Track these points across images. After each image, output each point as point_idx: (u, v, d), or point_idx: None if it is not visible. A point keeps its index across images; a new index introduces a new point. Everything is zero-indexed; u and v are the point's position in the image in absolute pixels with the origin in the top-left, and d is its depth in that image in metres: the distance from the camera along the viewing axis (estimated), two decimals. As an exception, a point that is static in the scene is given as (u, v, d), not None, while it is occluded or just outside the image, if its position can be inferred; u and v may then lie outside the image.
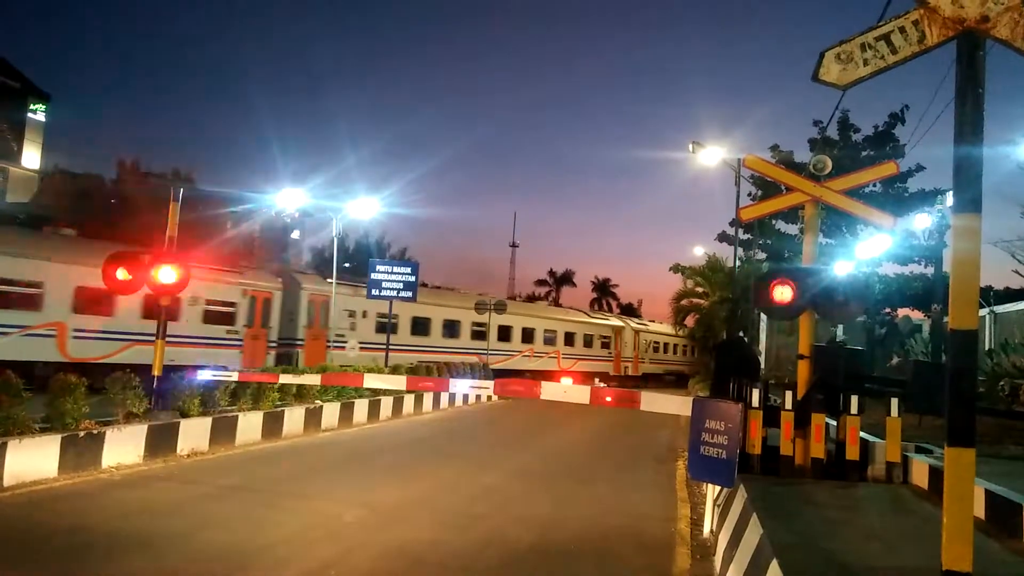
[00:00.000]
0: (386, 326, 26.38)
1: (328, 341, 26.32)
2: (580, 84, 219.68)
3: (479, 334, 33.49)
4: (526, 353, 36.71)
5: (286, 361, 24.21)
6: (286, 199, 26.20)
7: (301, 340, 25.84)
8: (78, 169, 47.83)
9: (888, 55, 4.33)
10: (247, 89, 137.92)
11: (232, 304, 23.00)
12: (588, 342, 41.98)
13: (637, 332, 47.64)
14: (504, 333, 35.22)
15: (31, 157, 50.57)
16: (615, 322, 47.09)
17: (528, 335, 37.08)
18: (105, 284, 12.34)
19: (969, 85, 4.05)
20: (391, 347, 25.50)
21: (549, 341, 38.52)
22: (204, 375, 12.31)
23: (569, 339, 40.28)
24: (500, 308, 33.43)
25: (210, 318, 22.08)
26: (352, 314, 27.72)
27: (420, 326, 30.63)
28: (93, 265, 14.56)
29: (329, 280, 26.76)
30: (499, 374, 28.82)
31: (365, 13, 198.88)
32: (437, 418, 20.46)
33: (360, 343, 26.67)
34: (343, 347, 26.06)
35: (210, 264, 22.28)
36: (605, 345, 43.44)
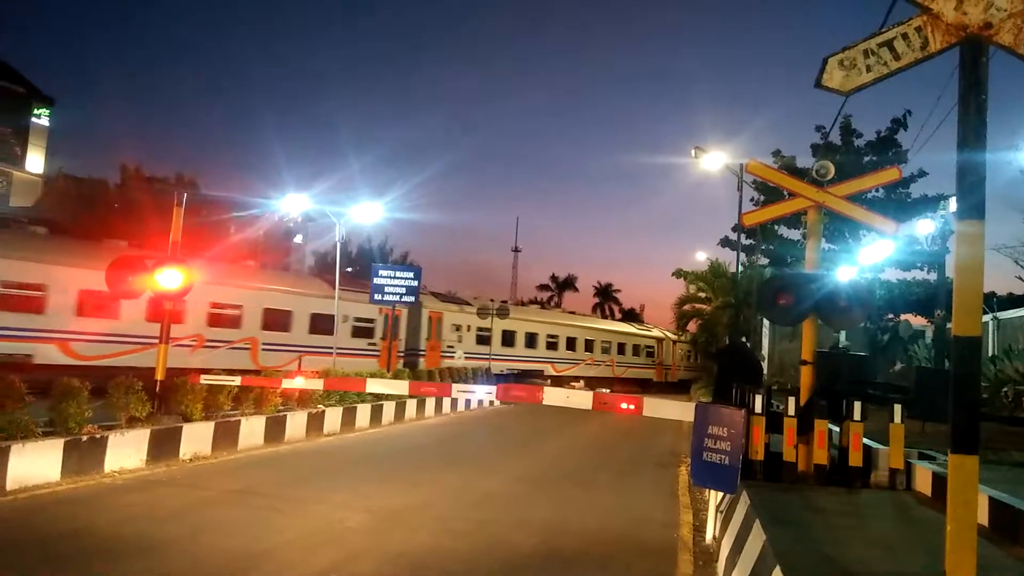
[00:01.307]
0: (484, 339, 33.90)
1: (441, 351, 31.44)
2: (583, 89, 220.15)
3: (552, 345, 39.33)
4: (588, 362, 41.99)
5: (412, 367, 27.86)
6: (289, 204, 26.21)
7: (423, 350, 30.55)
8: (82, 173, 47.98)
9: (891, 61, 4.34)
10: (251, 94, 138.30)
11: (372, 321, 27.77)
12: (636, 351, 47.34)
13: (674, 343, 50.38)
14: (571, 344, 40.78)
15: (35, 161, 50.72)
16: (657, 333, 51.09)
17: (589, 345, 42.49)
18: (108, 288, 12.39)
19: (972, 91, 4.05)
20: (486, 356, 33.47)
21: (605, 351, 43.97)
22: (207, 379, 12.32)
23: (621, 349, 45.70)
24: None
25: (356, 332, 26.82)
26: (458, 328, 32.92)
27: (508, 338, 36.19)
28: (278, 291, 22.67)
29: (443, 300, 33.07)
30: (564, 380, 36.82)
31: (369, 19, 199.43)
32: (439, 423, 20.46)
33: (465, 353, 32.36)
34: (452, 356, 31.56)
35: (355, 288, 27.19)
36: (650, 355, 48.72)
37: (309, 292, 25.66)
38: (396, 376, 19.75)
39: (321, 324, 24.72)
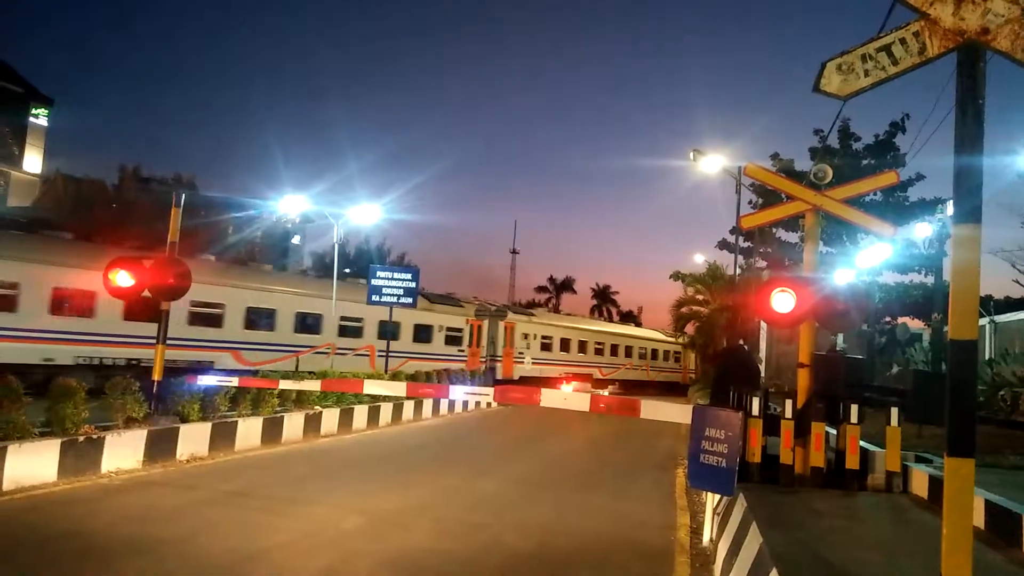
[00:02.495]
0: (546, 345, 39.30)
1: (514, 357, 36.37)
2: (581, 91, 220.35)
3: (599, 351, 44.90)
4: (627, 366, 47.31)
5: (491, 372, 33.34)
6: (288, 205, 26.29)
7: (500, 356, 35.39)
8: (79, 174, 47.92)
9: (889, 66, 4.35)
10: (249, 95, 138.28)
11: (460, 331, 32.78)
12: (666, 357, 52.76)
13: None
14: (614, 350, 46.42)
15: (33, 161, 50.64)
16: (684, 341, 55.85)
17: (628, 351, 48.09)
18: (106, 288, 12.39)
19: (969, 96, 4.06)
20: (547, 361, 38.99)
21: (642, 356, 49.62)
22: (204, 380, 12.31)
23: (655, 355, 51.59)
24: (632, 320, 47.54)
25: (448, 341, 31.82)
26: (526, 337, 37.71)
27: (564, 345, 41.22)
28: (352, 300, 25.76)
29: (515, 312, 39.02)
30: (607, 382, 42.16)
31: (368, 21, 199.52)
32: (437, 424, 20.45)
33: (532, 359, 37.58)
34: (522, 362, 36.54)
35: (448, 302, 33.29)
36: (677, 360, 53.69)
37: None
38: (393, 377, 19.74)
39: (421, 334, 30.30)
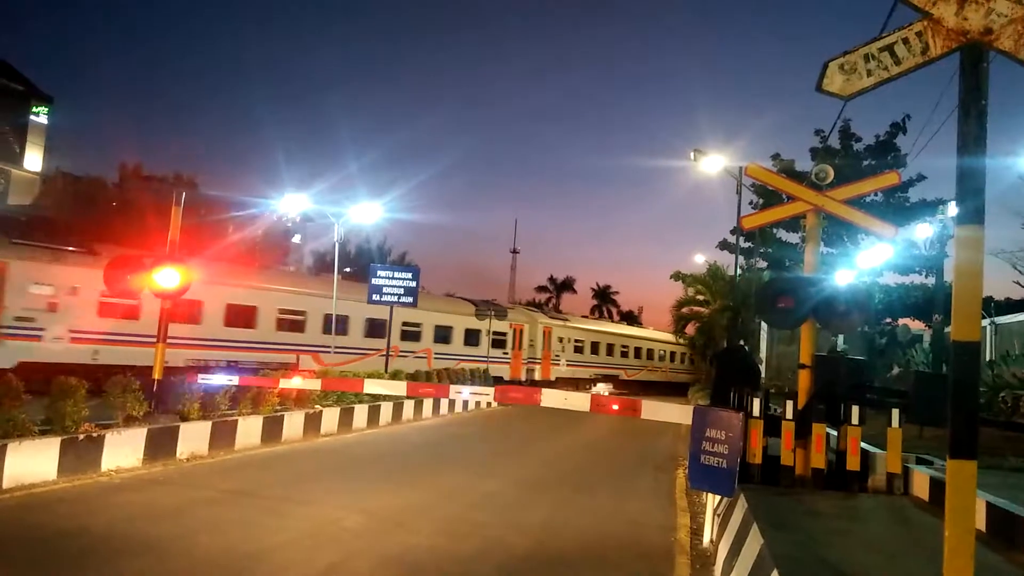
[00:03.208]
0: (579, 348, 42.42)
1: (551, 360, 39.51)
2: (582, 92, 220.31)
3: (624, 353, 48.02)
4: (649, 368, 50.76)
5: (531, 373, 37.17)
6: (288, 204, 26.33)
7: (539, 359, 38.34)
8: (80, 172, 47.92)
9: (891, 66, 4.33)
10: (250, 94, 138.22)
11: (504, 335, 35.93)
12: (683, 359, 55.81)
13: None
14: (637, 353, 49.78)
15: (33, 159, 50.61)
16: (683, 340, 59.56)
17: (650, 354, 51.67)
18: (107, 288, 12.39)
19: (972, 97, 4.05)
20: (579, 363, 42.02)
21: (661, 359, 53.45)
22: (204, 379, 12.31)
23: (672, 357, 55.15)
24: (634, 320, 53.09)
25: (495, 344, 34.92)
26: (561, 340, 40.57)
27: (594, 348, 44.42)
28: (443, 313, 32.00)
29: (550, 317, 42.20)
30: (632, 383, 45.66)
31: (368, 20, 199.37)
32: (437, 424, 20.44)
33: (567, 361, 40.64)
34: (558, 364, 39.62)
35: (493, 308, 36.12)
36: (692, 362, 55.83)
37: (463, 312, 33.89)
38: (394, 376, 19.73)
39: (471, 338, 33.52)
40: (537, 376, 37.71)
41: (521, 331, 37.08)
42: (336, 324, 25.50)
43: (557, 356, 39.79)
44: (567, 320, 43.39)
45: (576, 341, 42.28)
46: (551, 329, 39.78)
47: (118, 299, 19.01)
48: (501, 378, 33.83)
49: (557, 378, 39.28)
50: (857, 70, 4.39)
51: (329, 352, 25.15)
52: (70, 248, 20.15)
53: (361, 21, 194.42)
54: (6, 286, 18.26)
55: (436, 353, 30.54)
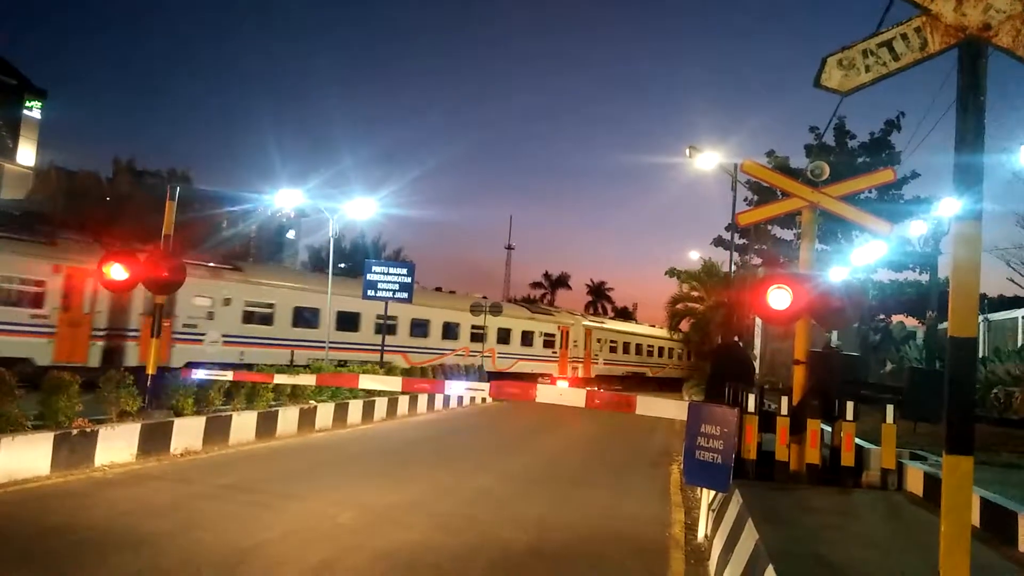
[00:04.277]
0: (613, 348, 45.77)
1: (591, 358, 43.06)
2: (577, 89, 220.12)
3: (650, 353, 51.71)
4: (670, 366, 53.07)
5: (575, 371, 40.58)
6: (283, 199, 26.15)
7: (582, 358, 41.82)
8: (73, 167, 47.62)
9: (890, 62, 4.32)
10: (245, 89, 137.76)
11: (553, 335, 39.63)
12: (689, 356, 57.76)
13: None
14: (660, 352, 52.79)
15: (26, 154, 50.26)
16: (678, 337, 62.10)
17: (671, 353, 53.84)
18: (101, 282, 12.34)
19: (970, 93, 4.04)
20: (613, 362, 45.64)
21: (680, 357, 54.66)
22: (199, 374, 12.28)
23: (690, 356, 55.87)
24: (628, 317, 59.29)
25: (545, 344, 38.79)
26: (599, 341, 44.23)
27: (626, 348, 48.03)
28: (503, 317, 35.31)
29: (589, 319, 46.86)
30: (655, 380, 48.52)
31: (365, 17, 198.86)
32: (432, 419, 20.43)
33: (603, 360, 44.32)
34: (597, 362, 43.36)
35: (545, 311, 42.10)
36: (689, 357, 59.30)
37: (519, 316, 38.02)
38: (389, 372, 19.71)
39: (525, 339, 37.34)
40: (580, 374, 41.17)
41: (567, 332, 40.81)
42: (419, 328, 30.17)
43: (596, 355, 43.31)
44: (603, 322, 48.14)
45: (611, 342, 45.94)
46: (591, 330, 43.59)
47: (254, 309, 23.24)
48: (550, 375, 38.31)
49: (597, 375, 42.72)
50: (855, 66, 4.38)
51: (416, 352, 29.24)
52: (226, 266, 23.90)
53: (357, 17, 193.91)
54: (176, 298, 20.19)
55: (498, 353, 34.85)
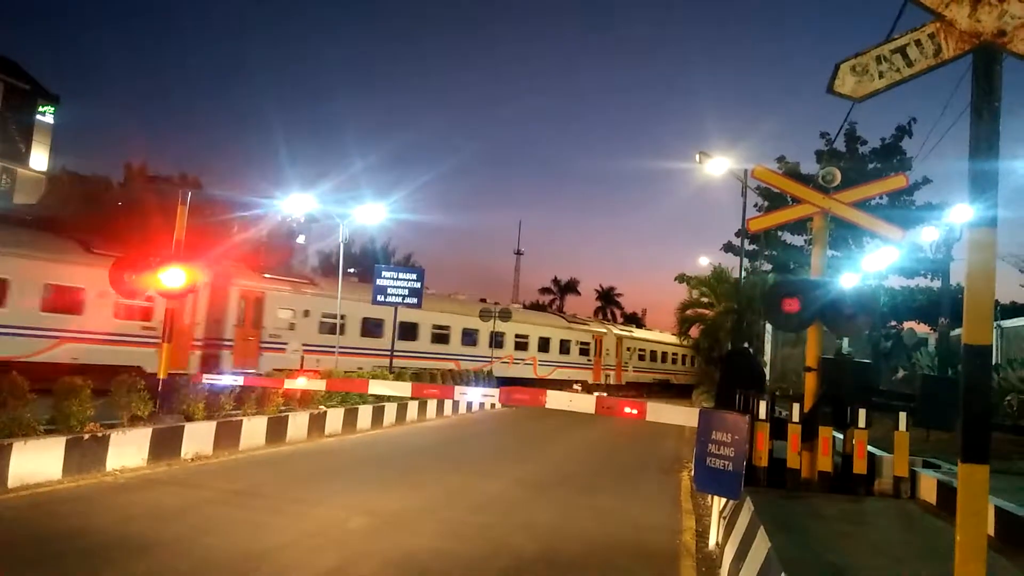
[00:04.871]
0: (641, 356, 48.72)
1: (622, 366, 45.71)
2: (588, 93, 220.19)
3: (675, 360, 53.08)
4: (693, 373, 52.47)
5: (607, 378, 42.91)
6: (293, 204, 26.30)
7: (614, 365, 44.37)
8: (85, 171, 47.91)
9: (904, 68, 4.30)
10: (256, 94, 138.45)
11: (588, 344, 41.72)
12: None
13: None
14: (683, 360, 53.55)
15: (39, 159, 50.61)
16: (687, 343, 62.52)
17: (693, 361, 52.75)
18: (112, 288, 12.41)
19: (985, 99, 4.02)
20: (641, 369, 48.22)
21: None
22: (208, 379, 12.31)
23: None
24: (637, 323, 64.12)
25: (580, 351, 41.01)
26: (629, 349, 46.84)
27: (653, 356, 50.34)
28: (545, 326, 39.31)
29: (620, 328, 49.42)
30: (678, 387, 49.26)
31: (375, 22, 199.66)
32: (441, 425, 20.42)
33: (633, 367, 47.02)
34: (627, 370, 45.61)
35: (581, 321, 44.41)
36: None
37: (556, 325, 40.49)
38: (398, 377, 19.72)
39: (563, 347, 39.53)
40: (612, 381, 43.71)
41: (601, 341, 42.88)
42: (469, 337, 32.90)
43: (626, 363, 45.76)
44: (632, 331, 50.67)
45: (639, 350, 48.44)
46: (622, 339, 46.02)
47: (328, 319, 25.07)
48: (586, 381, 40.29)
49: (627, 382, 45.29)
50: (869, 72, 4.36)
51: (466, 359, 31.84)
52: (304, 281, 26.36)
53: (368, 23, 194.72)
54: (264, 311, 23.61)
55: (539, 361, 37.40)
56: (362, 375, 17.85)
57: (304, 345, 23.44)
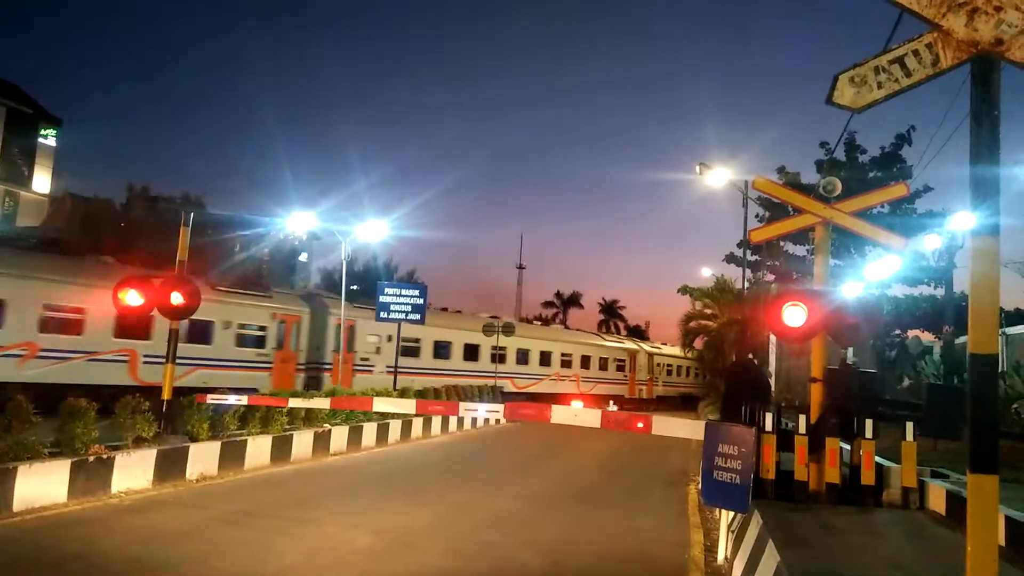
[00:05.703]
0: (669, 371, 51.26)
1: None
2: (587, 106, 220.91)
3: (696, 375, 53.27)
4: (716, 387, 57.40)
5: (640, 392, 45.71)
6: (295, 222, 26.36)
7: (646, 380, 47.25)
8: (88, 193, 48.14)
9: (902, 78, 4.32)
10: (258, 113, 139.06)
11: (624, 360, 44.97)
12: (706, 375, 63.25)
13: None
14: (706, 374, 54.53)
15: (41, 181, 50.84)
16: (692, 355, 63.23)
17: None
18: (115, 308, 12.43)
19: (984, 107, 4.03)
20: (670, 384, 50.54)
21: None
22: (214, 398, 12.29)
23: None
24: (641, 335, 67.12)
25: (617, 367, 43.89)
26: (659, 365, 49.70)
27: (679, 371, 52.56)
28: (567, 343, 41.38)
29: (651, 346, 51.90)
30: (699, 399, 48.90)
31: (375, 39, 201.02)
32: (446, 441, 20.36)
33: (663, 382, 49.61)
34: (657, 384, 48.26)
35: (616, 338, 47.95)
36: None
37: (579, 341, 42.41)
38: (402, 394, 19.68)
39: (602, 363, 42.40)
40: (645, 395, 46.57)
41: (635, 357, 45.90)
42: (522, 355, 35.55)
43: (656, 378, 48.69)
44: (661, 348, 52.70)
45: (668, 366, 50.92)
46: (653, 355, 48.81)
47: (408, 343, 27.60)
48: (622, 396, 42.37)
49: (657, 396, 47.88)
50: (867, 82, 4.38)
51: (520, 377, 34.91)
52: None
53: (369, 40, 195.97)
54: (356, 337, 26.48)
55: (582, 377, 39.86)
56: (366, 392, 17.79)
57: (388, 366, 25.18)
